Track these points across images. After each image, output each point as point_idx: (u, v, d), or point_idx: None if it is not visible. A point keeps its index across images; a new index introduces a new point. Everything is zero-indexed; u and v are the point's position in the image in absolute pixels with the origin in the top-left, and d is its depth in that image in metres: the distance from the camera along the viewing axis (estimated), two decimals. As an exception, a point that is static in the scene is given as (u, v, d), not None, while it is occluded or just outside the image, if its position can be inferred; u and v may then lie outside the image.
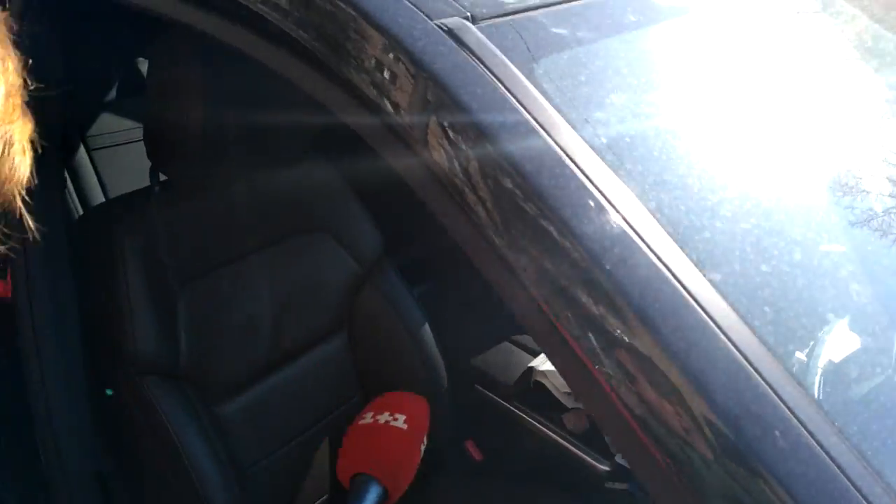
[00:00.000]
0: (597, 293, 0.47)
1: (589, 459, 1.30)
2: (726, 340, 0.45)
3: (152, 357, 1.04)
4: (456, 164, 0.52)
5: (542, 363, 1.43)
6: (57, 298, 0.97)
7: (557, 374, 1.37)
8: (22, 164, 0.42)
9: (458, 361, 1.46)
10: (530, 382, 1.44)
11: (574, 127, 0.53)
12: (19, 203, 0.43)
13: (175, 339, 1.07)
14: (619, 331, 0.46)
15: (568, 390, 1.36)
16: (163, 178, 1.14)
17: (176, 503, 1.09)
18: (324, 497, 1.26)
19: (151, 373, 1.04)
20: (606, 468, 1.27)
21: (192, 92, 1.00)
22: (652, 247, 0.47)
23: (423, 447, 0.93)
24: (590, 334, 0.47)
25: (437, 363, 1.38)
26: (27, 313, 0.94)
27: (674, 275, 0.47)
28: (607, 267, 0.46)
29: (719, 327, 0.46)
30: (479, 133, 0.51)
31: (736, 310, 0.47)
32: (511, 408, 1.41)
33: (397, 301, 1.36)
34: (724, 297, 0.47)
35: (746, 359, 0.45)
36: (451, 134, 0.52)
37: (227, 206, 1.18)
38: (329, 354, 1.31)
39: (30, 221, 0.44)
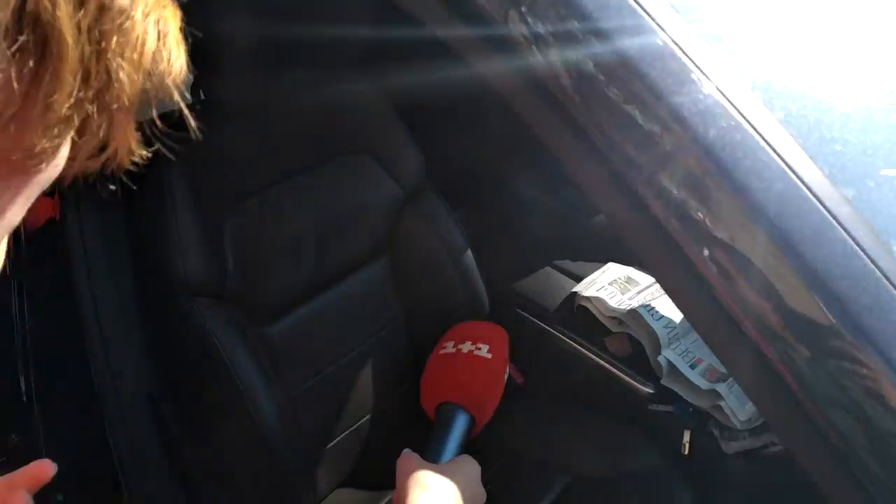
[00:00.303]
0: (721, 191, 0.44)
1: (632, 382, 1.30)
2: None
3: (202, 280, 1.03)
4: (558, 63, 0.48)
5: (586, 288, 1.41)
6: (106, 221, 0.96)
7: (602, 299, 1.36)
8: (180, 56, 0.38)
9: (499, 284, 1.45)
10: (573, 307, 1.43)
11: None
12: (179, 99, 0.39)
13: (222, 261, 1.06)
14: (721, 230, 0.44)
15: (612, 315, 1.35)
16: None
17: (227, 423, 1.11)
18: (366, 416, 1.28)
19: (201, 295, 1.04)
20: (650, 390, 1.27)
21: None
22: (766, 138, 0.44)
23: (505, 377, 0.91)
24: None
25: (478, 286, 1.37)
26: (78, 236, 0.93)
27: (788, 165, 0.44)
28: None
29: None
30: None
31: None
32: (553, 331, 1.40)
33: (438, 224, 1.35)
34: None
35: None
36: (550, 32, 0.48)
37: (270, 126, 1.15)
38: (372, 277, 1.31)
39: (191, 120, 0.40)
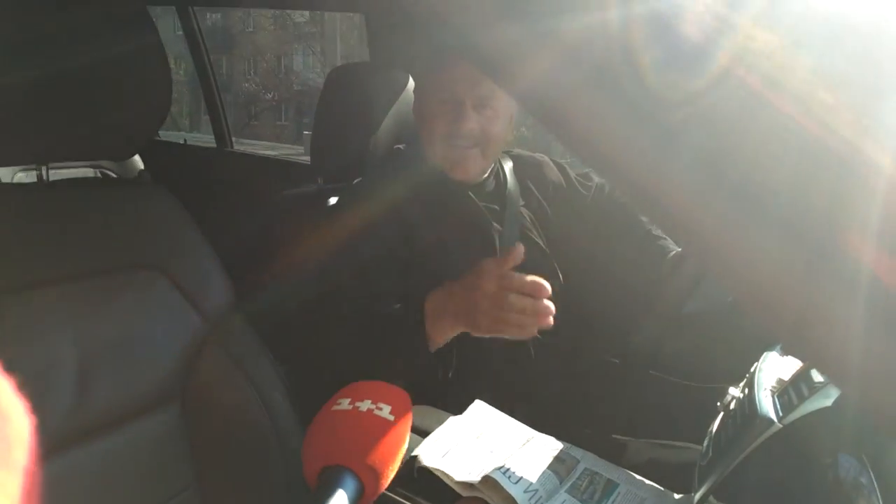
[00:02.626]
0: None
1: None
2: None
3: None
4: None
5: (429, 454, 1.18)
6: None
7: (448, 474, 1.14)
8: None
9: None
10: (413, 471, 1.19)
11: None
12: None
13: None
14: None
15: (464, 479, 1.11)
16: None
17: None
18: None
19: None
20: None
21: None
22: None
23: (405, 447, 0.75)
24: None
25: (298, 447, 1.10)
26: None
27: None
28: None
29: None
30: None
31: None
32: (393, 496, 1.13)
33: (249, 367, 1.10)
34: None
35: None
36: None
37: (20, 222, 0.90)
38: (155, 430, 1.00)
39: None
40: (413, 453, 1.20)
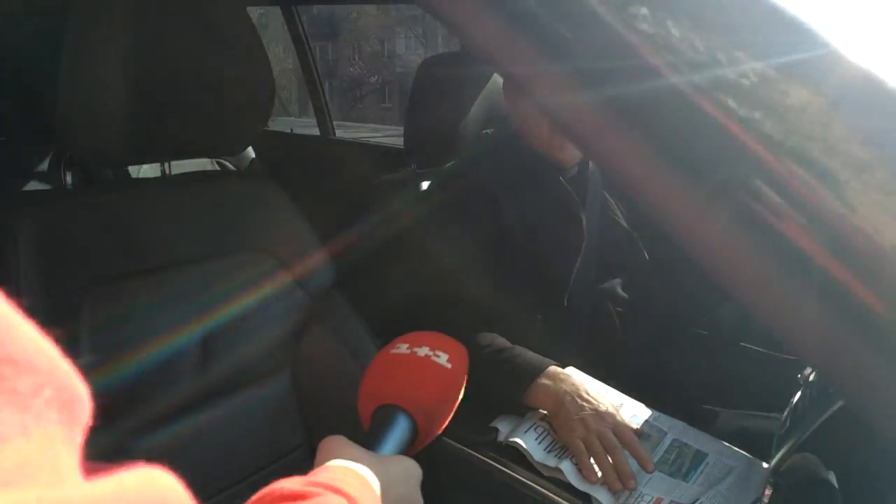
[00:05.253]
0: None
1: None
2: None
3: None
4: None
5: (511, 432, 1.22)
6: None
7: (532, 440, 1.18)
8: None
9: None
10: (498, 440, 1.24)
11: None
12: None
13: (74, 345, 0.89)
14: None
15: (542, 461, 1.15)
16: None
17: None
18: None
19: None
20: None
21: (107, 85, 0.89)
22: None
23: (461, 394, 0.74)
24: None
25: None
26: None
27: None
28: None
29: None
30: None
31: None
32: (484, 458, 1.20)
33: (350, 338, 1.20)
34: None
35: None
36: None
37: (148, 211, 1.03)
38: (270, 395, 1.13)
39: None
40: (492, 424, 1.25)
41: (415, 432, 0.68)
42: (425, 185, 1.62)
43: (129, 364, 0.95)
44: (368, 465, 0.55)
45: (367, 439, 0.63)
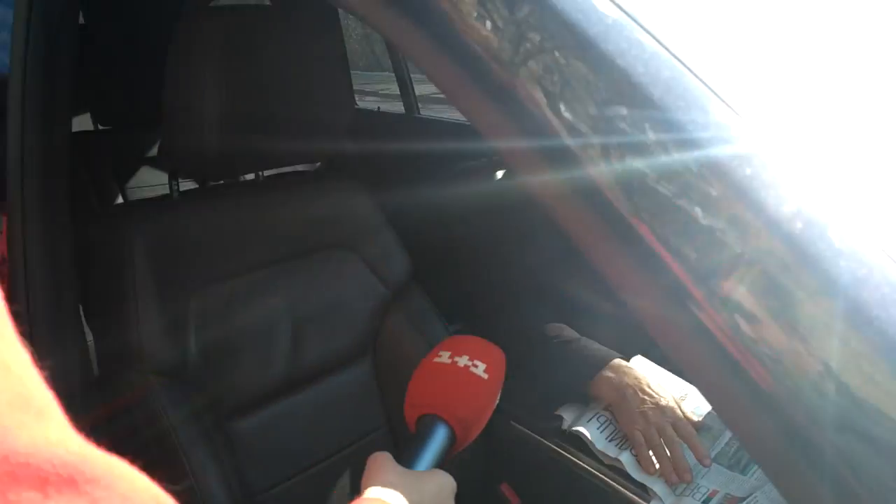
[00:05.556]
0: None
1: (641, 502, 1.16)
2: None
3: (158, 355, 0.98)
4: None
5: (575, 420, 1.29)
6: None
7: (595, 429, 1.24)
8: None
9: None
10: (563, 428, 1.31)
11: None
12: None
13: (184, 342, 1.01)
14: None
15: (603, 450, 1.21)
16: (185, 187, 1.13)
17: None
18: (341, 533, 1.15)
19: (159, 373, 0.98)
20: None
21: (206, 107, 0.99)
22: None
23: (496, 402, 0.82)
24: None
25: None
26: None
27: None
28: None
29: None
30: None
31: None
32: (552, 446, 1.28)
33: (425, 327, 1.29)
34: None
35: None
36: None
37: (244, 216, 1.15)
38: (353, 380, 1.24)
39: None
40: (558, 412, 1.32)
41: (453, 440, 0.75)
42: (500, 174, 1.67)
43: (229, 354, 1.07)
44: (403, 488, 0.64)
45: (408, 452, 0.72)
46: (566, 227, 0.48)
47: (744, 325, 0.39)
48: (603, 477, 1.20)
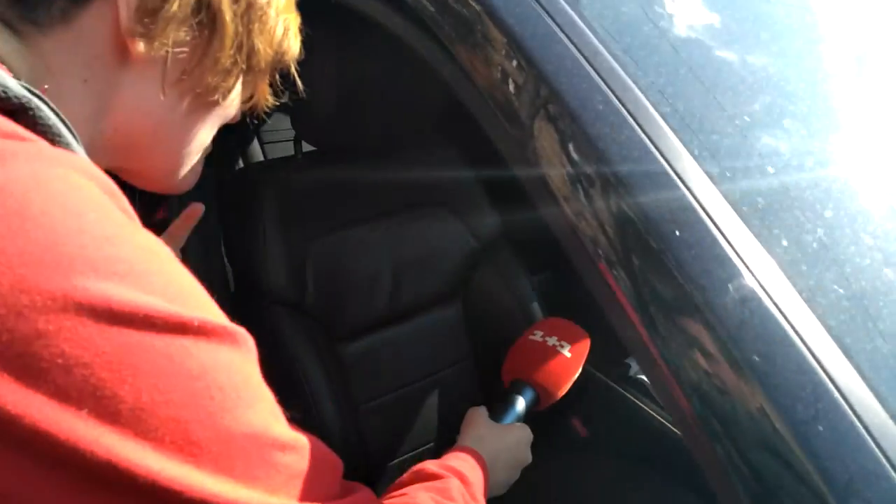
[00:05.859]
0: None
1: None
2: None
3: (282, 290, 1.21)
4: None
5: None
6: (205, 228, 1.17)
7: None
8: (295, 44, 0.57)
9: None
10: (629, 374, 1.44)
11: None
12: (293, 69, 0.60)
13: (303, 280, 1.23)
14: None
15: None
16: (308, 148, 1.33)
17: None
18: (429, 444, 1.36)
19: (282, 303, 1.20)
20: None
21: (328, 75, 1.17)
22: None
23: (576, 376, 1.01)
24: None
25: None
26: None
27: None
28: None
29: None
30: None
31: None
32: (620, 389, 1.42)
33: (511, 279, 1.45)
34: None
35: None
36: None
37: (356, 175, 1.33)
38: (444, 319, 1.42)
39: (300, 83, 0.63)
40: (626, 360, 1.46)
41: (536, 402, 0.98)
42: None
43: (341, 292, 1.28)
44: (489, 440, 0.85)
45: (500, 407, 0.95)
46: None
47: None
48: (662, 420, 1.33)
